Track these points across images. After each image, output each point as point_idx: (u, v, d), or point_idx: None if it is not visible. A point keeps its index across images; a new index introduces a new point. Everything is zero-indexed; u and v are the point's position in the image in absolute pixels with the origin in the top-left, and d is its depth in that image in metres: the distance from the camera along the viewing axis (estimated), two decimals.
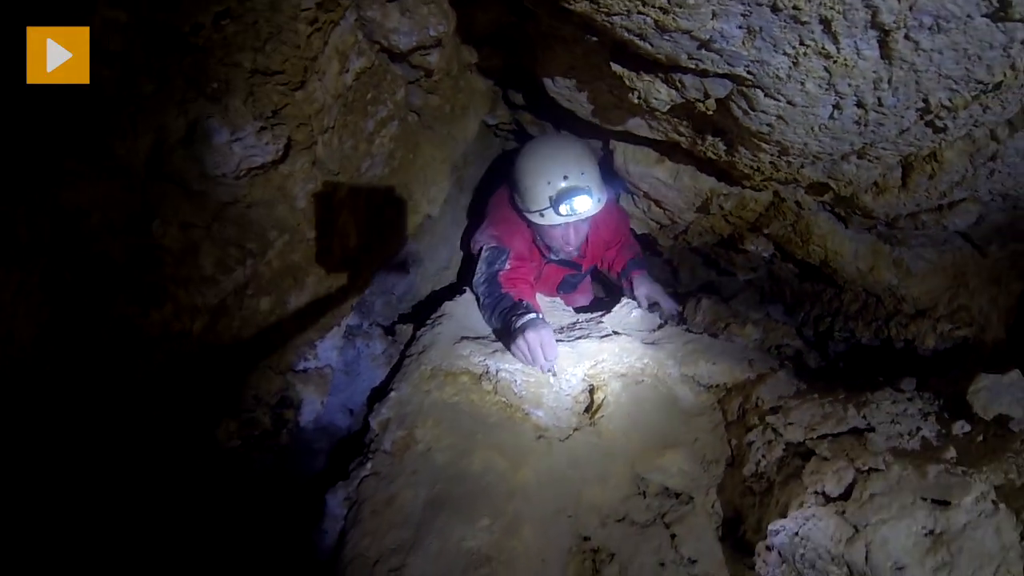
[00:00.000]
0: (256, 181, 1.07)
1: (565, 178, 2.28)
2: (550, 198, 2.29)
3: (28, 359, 1.09)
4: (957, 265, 2.26)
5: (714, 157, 1.76)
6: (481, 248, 2.56)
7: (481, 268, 2.50)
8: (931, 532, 1.13)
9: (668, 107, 1.40)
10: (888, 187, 1.62)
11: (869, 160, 1.44)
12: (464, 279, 2.92)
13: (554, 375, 2.07)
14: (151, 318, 1.19)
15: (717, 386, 2.16)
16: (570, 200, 2.26)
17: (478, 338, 2.24)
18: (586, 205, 2.30)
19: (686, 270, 4.06)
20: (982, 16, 0.93)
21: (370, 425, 1.89)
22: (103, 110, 1.12)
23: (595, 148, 2.75)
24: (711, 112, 1.34)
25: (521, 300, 2.30)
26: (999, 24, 0.95)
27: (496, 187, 2.76)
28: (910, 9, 0.92)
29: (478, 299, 2.50)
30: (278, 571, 1.84)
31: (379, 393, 2.10)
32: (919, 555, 1.11)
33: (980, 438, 1.42)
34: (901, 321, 2.46)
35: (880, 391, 1.73)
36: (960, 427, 1.51)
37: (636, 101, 1.40)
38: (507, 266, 2.47)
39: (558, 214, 2.31)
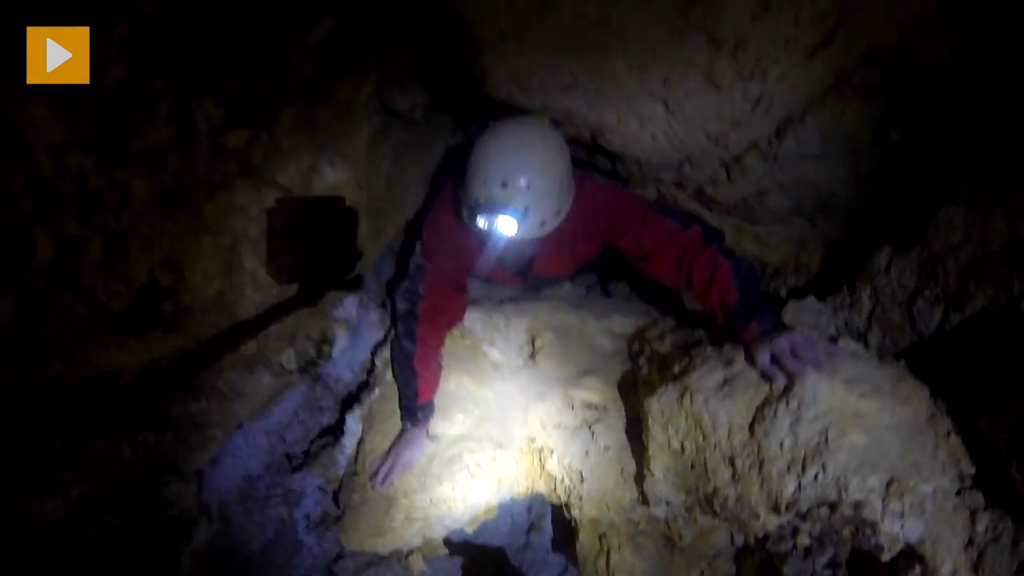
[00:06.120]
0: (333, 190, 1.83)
1: (503, 185, 1.87)
2: (477, 200, 1.93)
3: None
4: (800, 235, 2.92)
5: (604, 168, 2.53)
6: (415, 251, 2.32)
7: (404, 284, 2.30)
8: (724, 379, 1.86)
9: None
10: (720, 182, 2.38)
11: (697, 165, 2.23)
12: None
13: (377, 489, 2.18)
14: None
15: (627, 334, 2.70)
16: (492, 216, 1.90)
17: None
18: (510, 229, 1.93)
19: None
20: (712, 90, 1.72)
21: (375, 364, 2.55)
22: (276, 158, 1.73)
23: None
24: (591, 140, 2.14)
25: (418, 398, 2.22)
26: (722, 92, 1.74)
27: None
28: (671, 91, 1.72)
29: (393, 314, 2.49)
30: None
31: (379, 345, 2.70)
32: (716, 391, 1.82)
33: None
34: (766, 280, 3.18)
35: None
36: None
37: None
38: (424, 296, 2.27)
39: (475, 222, 1.96)
